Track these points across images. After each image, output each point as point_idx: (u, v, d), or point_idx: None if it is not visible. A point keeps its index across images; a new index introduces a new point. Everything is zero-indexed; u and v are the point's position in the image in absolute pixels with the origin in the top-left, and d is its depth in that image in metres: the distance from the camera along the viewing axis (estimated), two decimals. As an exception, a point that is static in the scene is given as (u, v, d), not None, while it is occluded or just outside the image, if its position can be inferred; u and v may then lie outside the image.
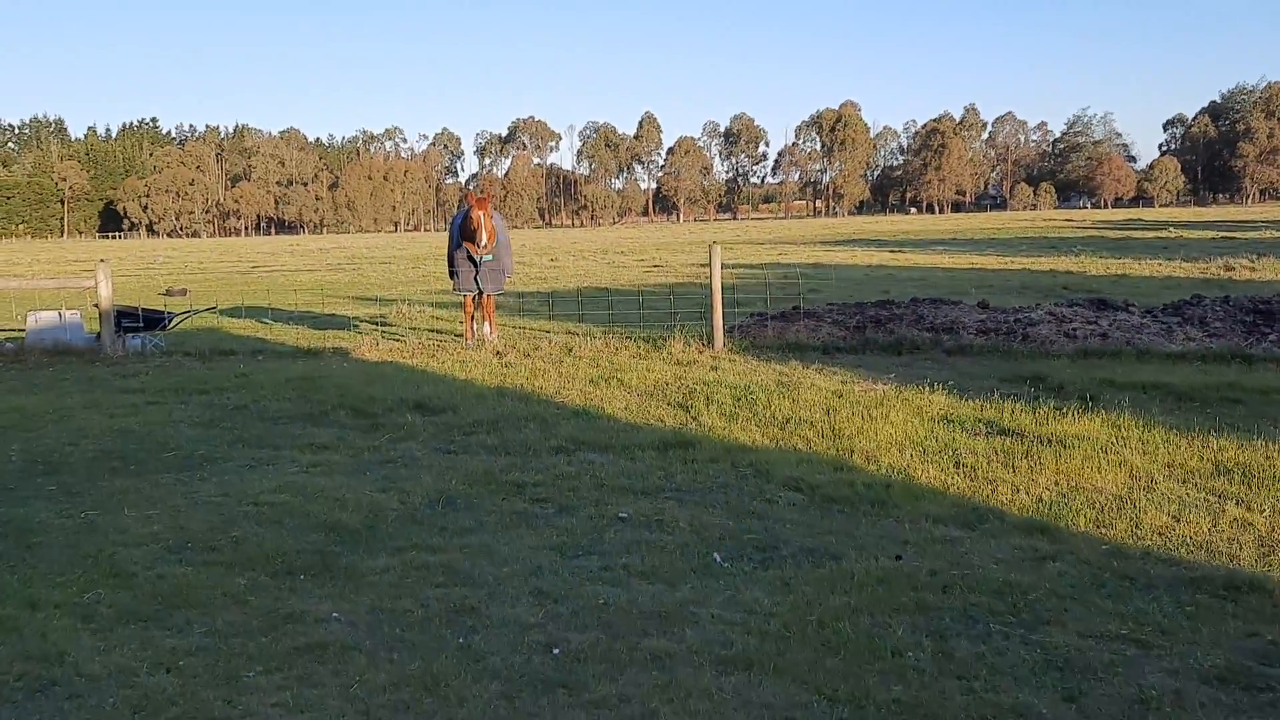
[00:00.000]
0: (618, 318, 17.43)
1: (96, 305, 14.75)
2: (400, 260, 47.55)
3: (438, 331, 17.01)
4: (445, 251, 15.60)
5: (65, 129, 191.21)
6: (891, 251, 42.16)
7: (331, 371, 12.11)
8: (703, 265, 35.78)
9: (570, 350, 13.25)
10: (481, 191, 16.30)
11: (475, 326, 14.88)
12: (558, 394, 10.24)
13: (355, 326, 18.11)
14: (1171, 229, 57.88)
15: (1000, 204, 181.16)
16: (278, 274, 39.38)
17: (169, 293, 28.93)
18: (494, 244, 14.44)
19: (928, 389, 9.73)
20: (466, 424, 8.91)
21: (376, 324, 18.50)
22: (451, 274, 15.17)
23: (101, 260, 14.89)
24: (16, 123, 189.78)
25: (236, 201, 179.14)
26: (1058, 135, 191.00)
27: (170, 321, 15.22)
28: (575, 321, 17.48)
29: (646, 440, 8.08)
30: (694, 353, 12.77)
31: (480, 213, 14.25)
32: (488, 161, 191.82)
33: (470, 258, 14.37)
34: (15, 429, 9.42)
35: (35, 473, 7.78)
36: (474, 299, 14.77)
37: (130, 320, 14.87)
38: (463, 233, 14.41)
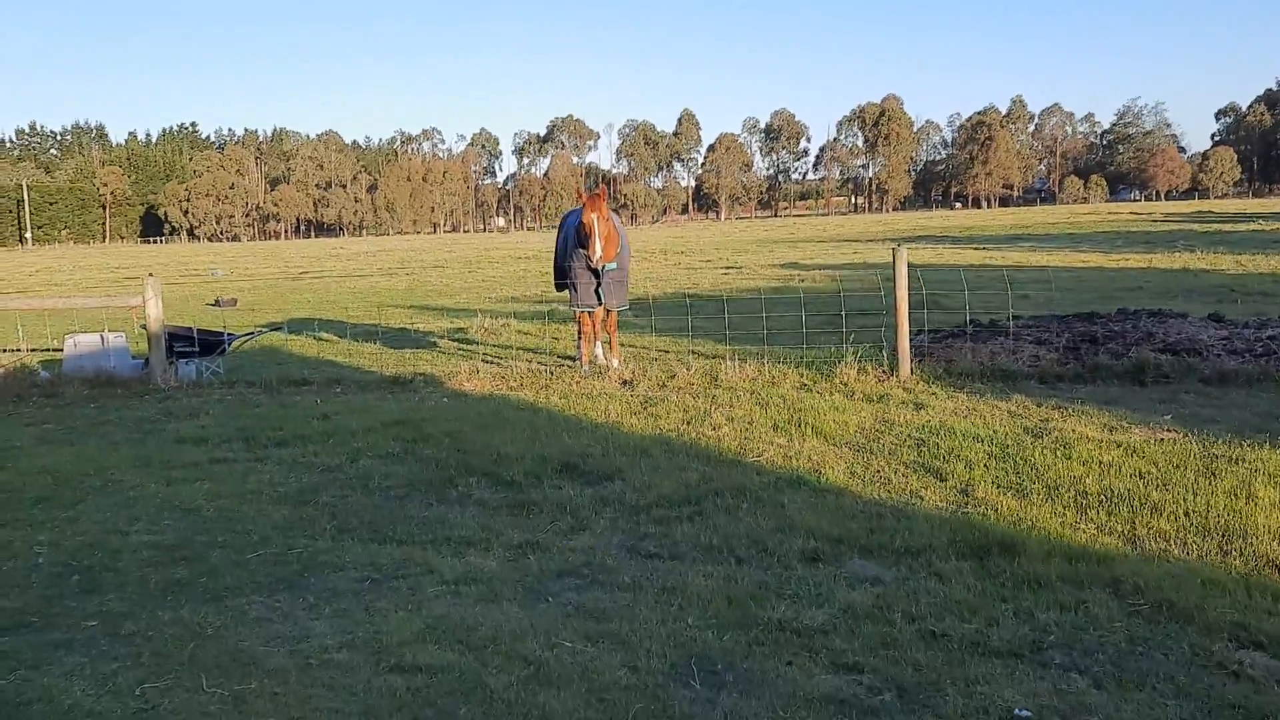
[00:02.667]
0: (712, 328, 14.99)
1: (144, 326, 12.54)
2: (453, 264, 45.37)
3: (532, 351, 14.66)
4: (553, 260, 13.17)
5: (106, 135, 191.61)
6: (977, 249, 39.38)
7: (434, 412, 9.78)
8: (785, 265, 33.36)
9: (716, 379, 10.85)
10: (596, 187, 13.68)
11: (592, 348, 12.50)
12: (743, 449, 7.82)
13: (434, 345, 15.81)
14: (1259, 220, 54.66)
15: (1049, 198, 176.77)
16: (328, 280, 37.31)
17: (218, 303, 26.86)
18: (617, 250, 12.05)
19: (1256, 442, 7.23)
20: (650, 502, 6.51)
21: (457, 341, 16.19)
22: (562, 286, 12.83)
23: (150, 274, 12.66)
24: (58, 129, 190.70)
25: (276, 205, 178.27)
26: (1106, 126, 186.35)
27: (230, 345, 12.96)
28: (683, 335, 15.07)
29: (928, 535, 5.64)
30: (873, 381, 10.33)
31: (594, 215, 11.84)
32: (526, 161, 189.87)
33: (590, 266, 11.98)
34: (47, 504, 7.15)
35: (68, 589, 5.48)
36: (592, 316, 12.37)
37: (184, 343, 12.65)
38: (579, 237, 12.01)
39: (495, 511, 6.56)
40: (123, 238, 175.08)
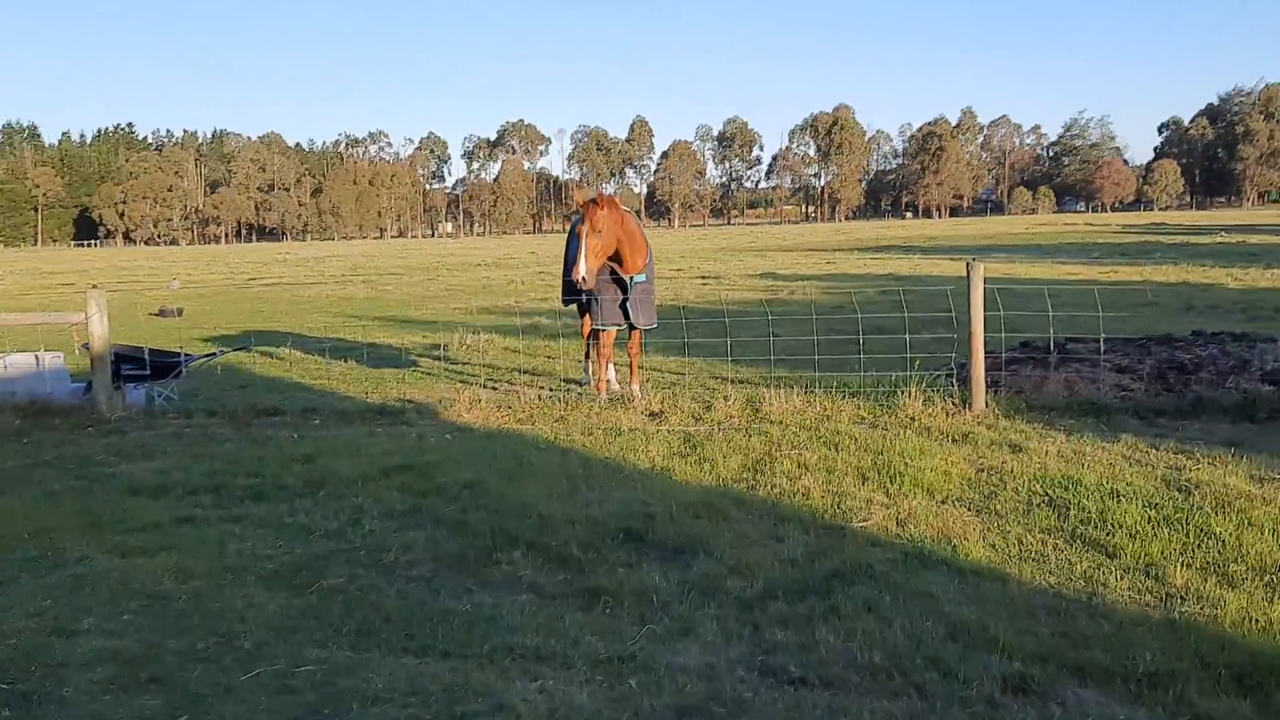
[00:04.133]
0: (717, 346, 13.63)
1: (87, 346, 10.86)
2: (410, 271, 43.55)
3: (528, 373, 13.16)
4: (562, 272, 11.58)
5: (39, 135, 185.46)
6: (954, 260, 38.46)
7: (439, 453, 8.26)
8: (762, 276, 32.10)
9: (759, 411, 9.47)
10: (597, 197, 10.29)
11: (605, 372, 11.03)
12: (839, 509, 6.41)
13: (414, 364, 14.25)
14: (1221, 233, 54.65)
15: (997, 208, 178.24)
16: (280, 288, 35.38)
17: (162, 313, 24.97)
18: (646, 260, 10.61)
19: None
20: (761, 591, 5.06)
21: (438, 359, 14.65)
22: (570, 300, 11.36)
23: (94, 286, 11.00)
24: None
25: (216, 208, 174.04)
26: (1053, 139, 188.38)
27: (187, 367, 11.30)
28: (685, 355, 13.68)
29: (1157, 650, 4.28)
30: (941, 415, 9.01)
31: (585, 227, 10.05)
32: (476, 166, 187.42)
33: (618, 279, 10.52)
34: (-35, 587, 5.56)
35: (-8, 738, 3.95)
36: (605, 334, 10.88)
37: (132, 365, 10.98)
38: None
39: (558, 603, 5.09)
40: (55, 240, 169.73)
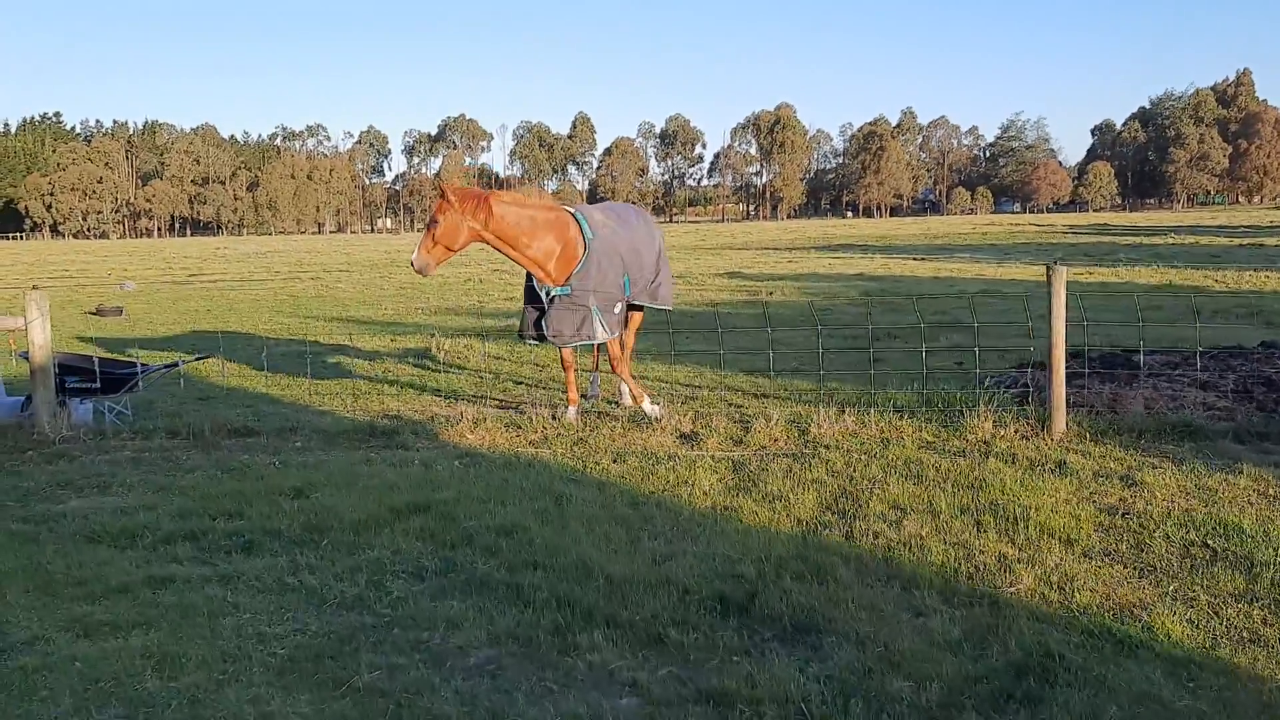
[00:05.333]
0: (708, 352, 12.55)
1: (25, 356, 9.43)
2: (359, 268, 41.85)
3: (521, 383, 11.95)
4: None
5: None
6: (919, 259, 37.81)
7: (455, 487, 7.02)
8: (729, 275, 31.05)
9: (805, 432, 8.37)
10: (440, 188, 9.40)
11: (573, 381, 9.75)
12: (972, 569, 5.30)
13: (389, 371, 12.94)
14: (1171, 235, 54.93)
15: (934, 208, 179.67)
16: (224, 284, 33.58)
17: (99, 311, 23.22)
18: (573, 269, 9.23)
19: None
20: (941, 699, 3.90)
21: (422, 366, 13.35)
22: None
23: (34, 287, 9.53)
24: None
25: (149, 201, 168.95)
26: (990, 140, 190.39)
27: (142, 380, 9.89)
28: (671, 362, 12.58)
29: None
30: (1015, 438, 7.98)
31: (451, 210, 9.01)
32: (416, 161, 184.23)
33: (533, 285, 9.48)
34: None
35: None
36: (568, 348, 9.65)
37: (79, 378, 9.57)
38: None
39: (674, 710, 3.92)
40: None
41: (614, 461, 7.74)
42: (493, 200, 9.05)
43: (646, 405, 9.51)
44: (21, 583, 5.46)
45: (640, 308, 10.22)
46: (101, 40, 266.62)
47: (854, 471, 7.22)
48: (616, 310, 9.38)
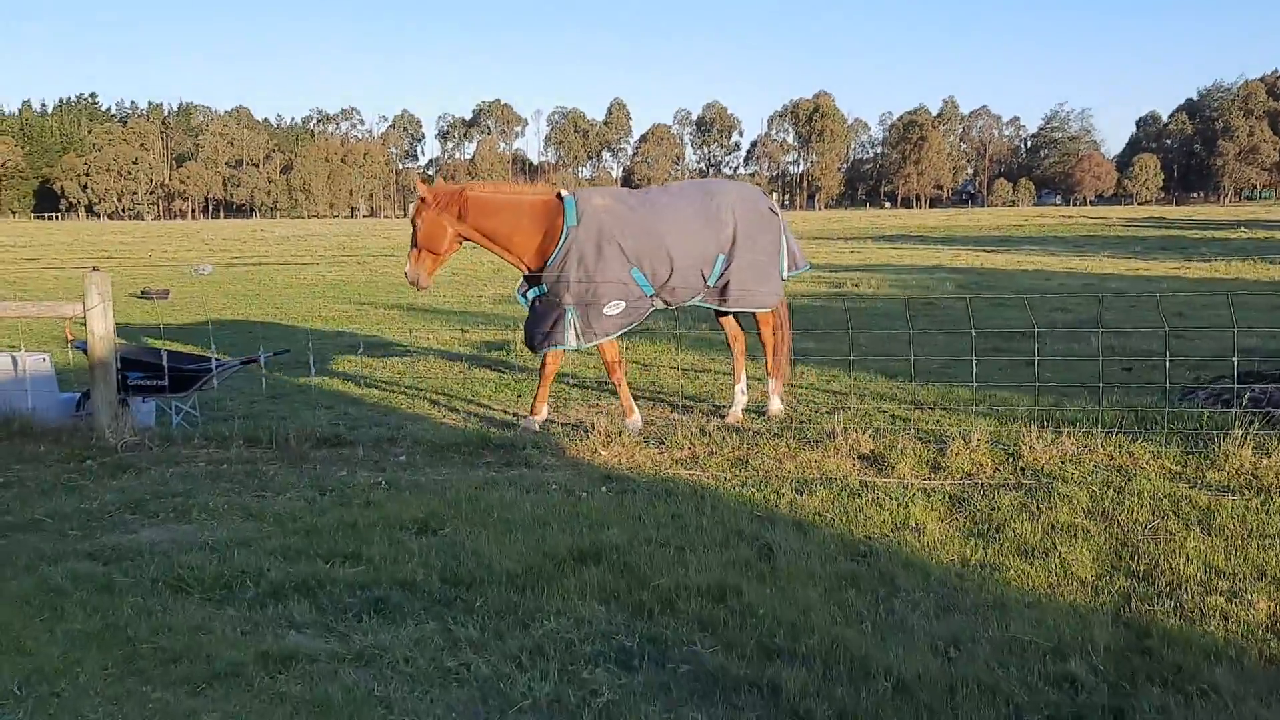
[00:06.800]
0: (826, 350, 11.11)
1: (82, 347, 8.14)
2: (403, 252, 40.61)
3: (645, 395, 10.58)
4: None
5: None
6: (990, 252, 36.14)
7: (622, 528, 5.64)
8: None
9: (1014, 457, 6.94)
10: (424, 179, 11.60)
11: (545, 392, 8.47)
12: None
13: (470, 370, 11.62)
14: (1242, 229, 52.86)
15: (975, 199, 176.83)
16: (268, 268, 32.43)
17: (146, 294, 22.11)
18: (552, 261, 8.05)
19: None
20: None
21: (507, 364, 12.00)
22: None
23: (94, 268, 8.22)
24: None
25: (183, 182, 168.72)
26: (1032, 131, 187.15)
27: (215, 376, 8.55)
28: (793, 362, 11.18)
29: None
30: (1230, 468, 6.52)
31: (427, 211, 8.27)
32: (450, 145, 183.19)
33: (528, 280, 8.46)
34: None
35: None
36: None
37: (143, 373, 8.27)
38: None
39: None
40: (15, 213, 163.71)
41: (797, 493, 6.34)
42: (468, 190, 8.20)
43: (630, 421, 8.25)
44: (97, 656, 4.16)
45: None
46: (137, 21, 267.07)
47: (1113, 513, 5.79)
48: (610, 311, 8.03)
